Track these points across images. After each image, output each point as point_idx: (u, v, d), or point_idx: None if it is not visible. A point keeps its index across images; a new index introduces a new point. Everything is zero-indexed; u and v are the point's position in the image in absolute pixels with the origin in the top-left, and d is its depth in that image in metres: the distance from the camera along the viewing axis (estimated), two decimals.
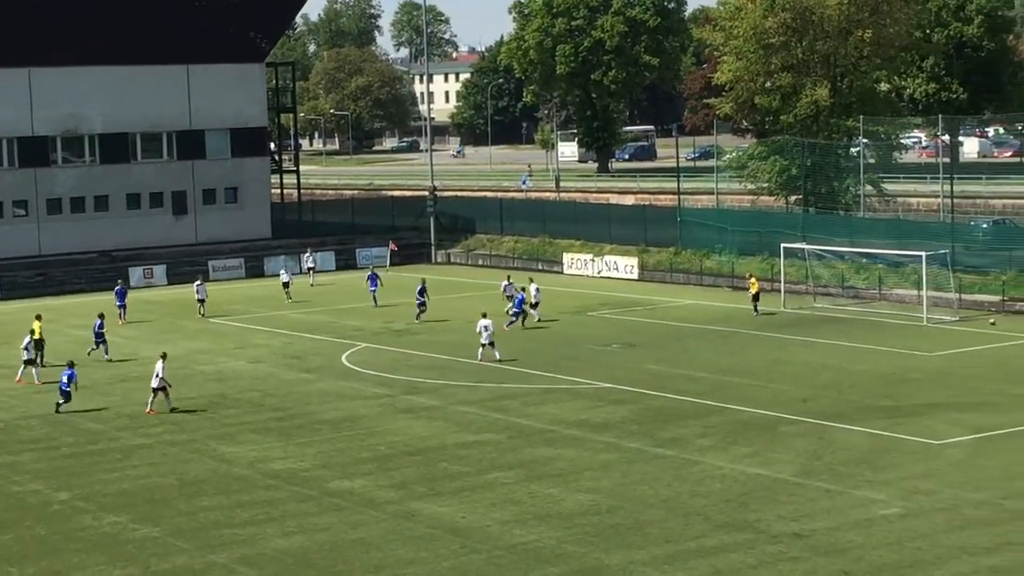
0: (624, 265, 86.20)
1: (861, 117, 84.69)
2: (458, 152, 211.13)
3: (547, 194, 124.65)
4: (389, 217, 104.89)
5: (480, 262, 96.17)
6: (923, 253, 67.44)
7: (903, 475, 39.28)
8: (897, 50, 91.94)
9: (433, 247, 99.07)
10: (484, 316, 58.91)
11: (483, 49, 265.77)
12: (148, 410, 50.00)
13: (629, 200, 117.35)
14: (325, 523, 36.39)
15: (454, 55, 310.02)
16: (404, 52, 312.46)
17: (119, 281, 75.58)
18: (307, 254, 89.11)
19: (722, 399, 49.85)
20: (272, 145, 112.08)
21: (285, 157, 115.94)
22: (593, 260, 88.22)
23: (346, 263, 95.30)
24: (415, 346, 62.84)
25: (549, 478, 40.11)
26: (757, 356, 58.23)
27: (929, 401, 48.75)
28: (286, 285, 79.58)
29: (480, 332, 57.95)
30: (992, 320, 65.49)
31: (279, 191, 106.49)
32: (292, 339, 66.21)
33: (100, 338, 61.41)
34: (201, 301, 73.67)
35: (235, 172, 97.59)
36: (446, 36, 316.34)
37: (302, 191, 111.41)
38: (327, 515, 37.13)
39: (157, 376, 50.02)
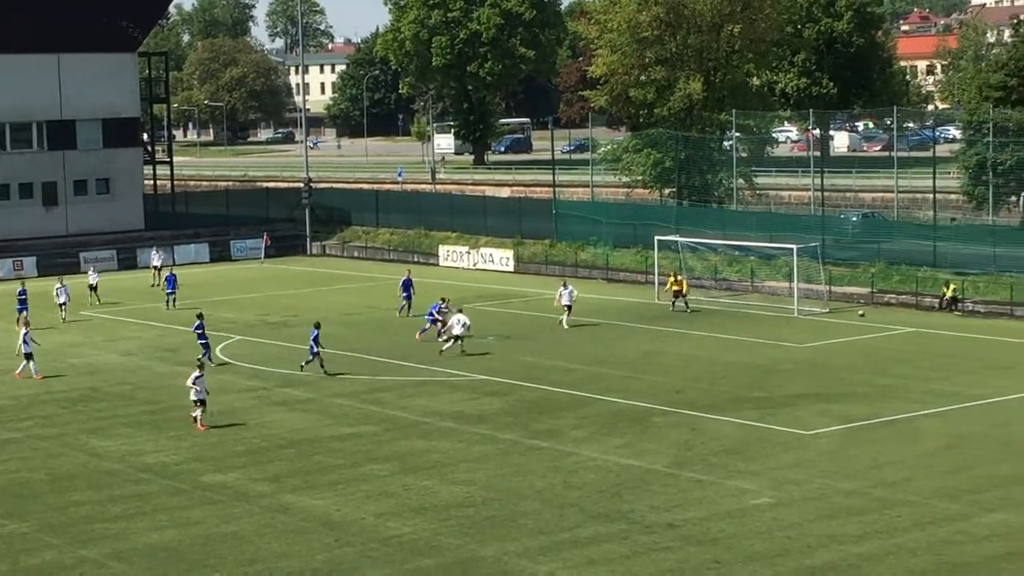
0: (500, 257, 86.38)
1: (734, 111, 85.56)
2: (315, 144, 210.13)
3: (423, 186, 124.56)
4: (264, 209, 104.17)
5: (356, 254, 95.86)
6: (794, 246, 68.24)
7: (773, 465, 39.79)
8: (768, 45, 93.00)
9: (308, 239, 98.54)
10: (460, 311, 58.48)
11: (359, 40, 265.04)
12: (200, 425, 45.63)
13: (505, 192, 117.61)
14: (198, 517, 36.12)
15: (329, 46, 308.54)
16: (279, 43, 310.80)
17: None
18: (154, 251, 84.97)
19: (596, 390, 50.16)
20: (145, 136, 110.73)
21: (158, 148, 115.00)
22: (469, 252, 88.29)
23: (220, 255, 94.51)
24: (290, 339, 62.49)
25: (424, 470, 40.13)
26: (631, 348, 58.63)
27: (799, 392, 49.40)
28: (158, 269, 79.92)
29: (453, 326, 57.39)
30: (861, 312, 66.48)
31: (152, 182, 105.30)
32: (165, 332, 65.54)
33: None
34: (62, 305, 68.40)
35: (107, 163, 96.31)
36: (321, 27, 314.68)
37: (176, 182, 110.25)
38: (200, 509, 36.86)
39: (194, 388, 45.63)
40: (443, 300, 61.23)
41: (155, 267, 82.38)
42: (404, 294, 68.02)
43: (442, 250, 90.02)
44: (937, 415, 45.57)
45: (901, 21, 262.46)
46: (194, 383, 45.46)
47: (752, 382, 51.30)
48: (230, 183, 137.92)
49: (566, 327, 63.16)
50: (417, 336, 60.79)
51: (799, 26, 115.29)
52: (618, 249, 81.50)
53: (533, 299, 73.29)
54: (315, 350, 53.34)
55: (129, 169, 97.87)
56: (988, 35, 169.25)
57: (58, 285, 69.30)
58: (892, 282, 69.98)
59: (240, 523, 35.52)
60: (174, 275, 73.82)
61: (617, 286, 76.72)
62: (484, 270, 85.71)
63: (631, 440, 43.06)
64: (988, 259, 68.92)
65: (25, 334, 54.94)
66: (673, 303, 67.59)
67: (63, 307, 68.50)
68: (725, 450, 41.67)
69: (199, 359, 50.78)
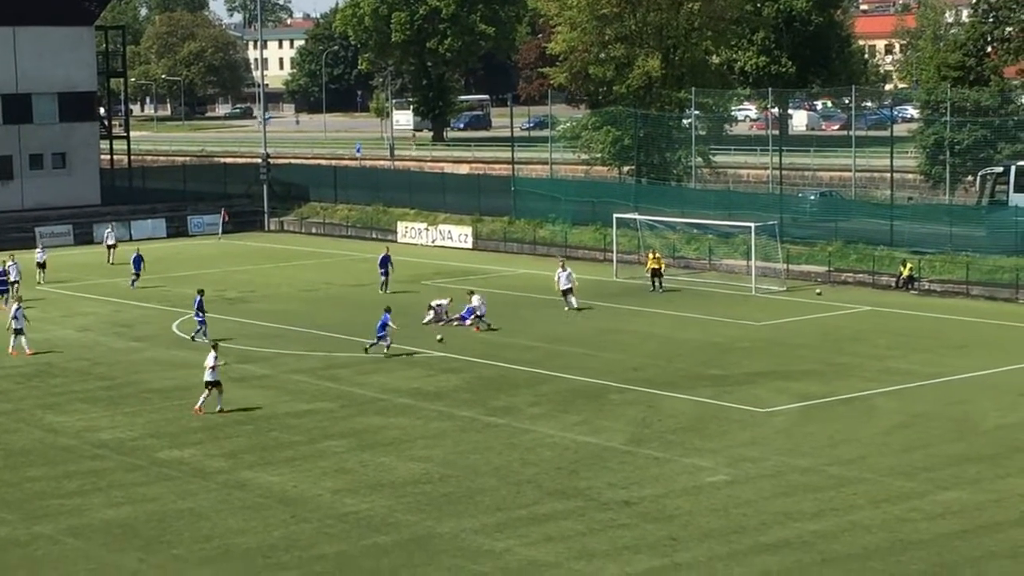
0: (458, 234, 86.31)
1: (693, 89, 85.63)
2: (267, 119, 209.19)
3: (381, 163, 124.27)
4: (222, 184, 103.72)
5: (314, 230, 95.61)
6: (752, 224, 68.40)
7: (730, 443, 39.92)
8: (728, 23, 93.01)
9: (266, 215, 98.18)
10: (472, 293, 58.73)
11: (318, 16, 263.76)
12: (199, 409, 44.31)
13: (464, 169, 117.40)
14: (154, 493, 36.02)
15: (288, 21, 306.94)
16: (237, 17, 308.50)
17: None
18: (108, 229, 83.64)
19: (554, 368, 50.20)
20: (102, 110, 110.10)
21: (115, 122, 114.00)
22: (427, 229, 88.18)
23: (177, 230, 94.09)
24: (247, 315, 62.34)
25: (381, 447, 40.11)
26: (589, 325, 58.67)
27: (756, 370, 49.55)
28: (113, 247, 79.69)
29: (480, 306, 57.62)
30: (818, 290, 66.71)
31: (109, 157, 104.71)
32: (121, 307, 65.26)
33: None
34: (15, 283, 66.39)
35: (63, 137, 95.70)
36: (280, 2, 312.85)
37: (132, 157, 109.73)
38: (156, 485, 36.75)
39: (210, 369, 44.22)
40: (470, 292, 59.65)
41: (109, 245, 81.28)
42: (382, 271, 67.85)
43: (400, 226, 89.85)
44: (893, 393, 45.79)
45: (860, 1, 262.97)
46: (213, 364, 44.05)
47: (709, 360, 51.43)
48: (187, 158, 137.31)
49: (575, 306, 61.50)
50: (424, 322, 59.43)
51: (758, 4, 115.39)
52: (577, 226, 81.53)
53: (492, 276, 73.26)
54: (381, 334, 52.24)
55: (86, 143, 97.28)
56: (946, 15, 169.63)
57: (9, 262, 68.09)
58: (849, 261, 70.22)
59: (196, 499, 35.42)
60: (141, 255, 72.52)
61: (575, 263, 76.69)
62: (442, 247, 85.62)
63: (588, 417, 43.13)
64: (945, 238, 69.23)
65: (16, 309, 54.47)
66: (653, 283, 67.19)
67: (15, 285, 66.21)
68: (682, 427, 41.79)
69: (215, 341, 48.81)
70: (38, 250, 75.38)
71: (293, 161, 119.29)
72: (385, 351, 52.23)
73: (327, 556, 31.29)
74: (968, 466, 37.26)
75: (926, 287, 66.36)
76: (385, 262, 67.93)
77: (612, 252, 73.66)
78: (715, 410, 43.86)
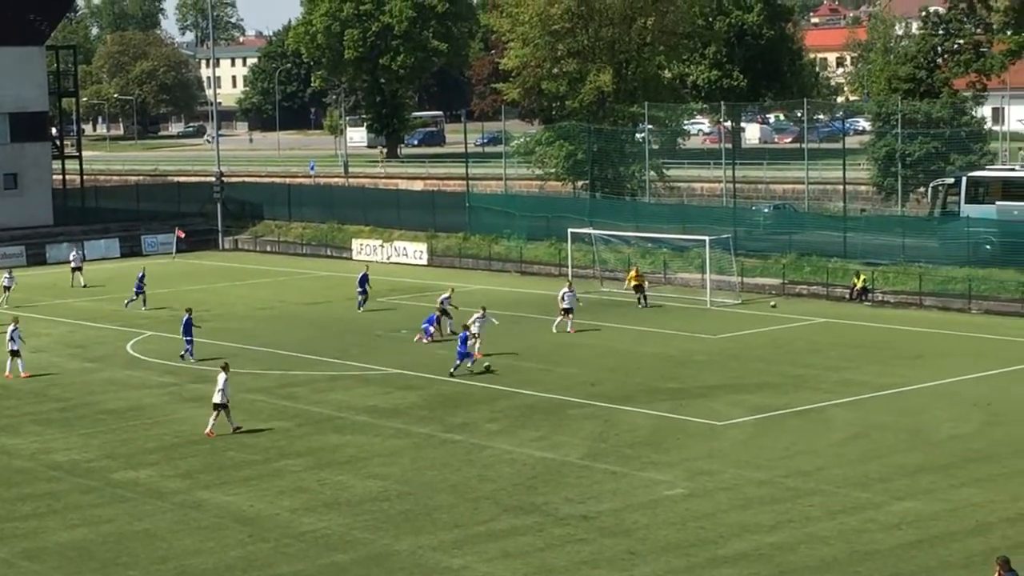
0: (413, 251, 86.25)
1: (646, 103, 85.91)
2: (210, 140, 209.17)
3: (336, 180, 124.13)
4: (175, 203, 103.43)
5: (268, 248, 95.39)
6: (707, 237, 68.64)
7: (687, 456, 39.99)
8: (679, 37, 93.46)
9: (220, 233, 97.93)
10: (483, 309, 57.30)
11: (270, 33, 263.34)
12: (208, 431, 43.81)
13: (418, 186, 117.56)
14: (109, 515, 35.82)
15: (241, 39, 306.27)
16: (190, 36, 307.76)
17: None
18: (73, 252, 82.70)
19: (511, 383, 50.19)
20: (54, 130, 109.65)
21: (67, 142, 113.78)
22: (382, 246, 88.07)
23: (131, 250, 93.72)
24: (203, 334, 61.95)
25: (338, 465, 40.02)
26: (545, 340, 58.70)
27: (712, 383, 49.68)
28: (76, 270, 78.70)
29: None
30: (773, 303, 66.93)
31: (61, 177, 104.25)
32: (75, 328, 64.94)
33: None
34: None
35: (15, 157, 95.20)
36: (232, 20, 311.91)
37: (85, 177, 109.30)
38: (111, 506, 36.55)
39: (219, 391, 43.51)
40: (483, 309, 58.01)
41: (74, 268, 79.90)
42: (360, 289, 67.66)
43: (355, 244, 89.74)
44: (848, 405, 45.99)
45: (811, 13, 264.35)
46: (223, 386, 43.34)
47: (666, 373, 51.55)
48: (141, 177, 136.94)
49: (569, 330, 60.17)
50: (424, 339, 58.92)
51: (710, 19, 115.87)
52: (532, 242, 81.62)
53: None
54: (463, 350, 51.67)
55: (37, 163, 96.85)
56: (897, 27, 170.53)
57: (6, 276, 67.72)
58: (803, 273, 70.53)
59: (153, 520, 35.25)
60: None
61: (531, 279, 76.78)
62: (398, 263, 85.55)
63: (546, 433, 43.14)
64: (897, 249, 69.66)
65: (13, 330, 53.76)
66: (638, 299, 66.90)
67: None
68: (639, 441, 41.85)
69: (224, 362, 46.45)
70: (5, 275, 74.24)
71: (247, 179, 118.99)
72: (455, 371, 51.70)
73: (285, 575, 31.18)
74: (922, 476, 37.45)
75: (880, 298, 66.70)
76: (364, 281, 67.87)
77: (567, 267, 73.71)
78: (672, 423, 43.94)
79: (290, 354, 56.77)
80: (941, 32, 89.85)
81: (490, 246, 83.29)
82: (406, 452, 41.33)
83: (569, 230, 74.25)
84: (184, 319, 56.21)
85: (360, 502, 36.28)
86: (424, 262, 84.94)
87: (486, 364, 53.04)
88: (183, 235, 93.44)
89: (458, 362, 51.72)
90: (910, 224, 73.63)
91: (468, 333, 52.95)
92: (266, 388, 50.62)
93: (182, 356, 55.66)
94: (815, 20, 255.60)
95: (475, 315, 55.84)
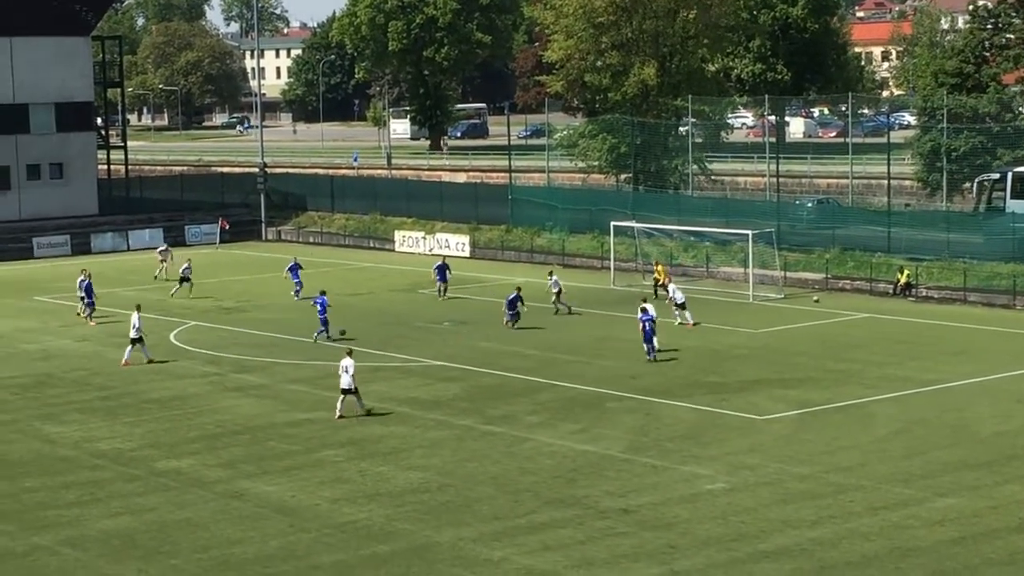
0: (456, 243, 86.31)
1: (689, 97, 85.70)
2: (243, 130, 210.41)
3: (379, 171, 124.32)
4: (219, 194, 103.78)
5: (311, 239, 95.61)
6: (749, 232, 68.37)
7: (728, 450, 39.91)
8: (723, 31, 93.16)
9: (263, 224, 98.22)
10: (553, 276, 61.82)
11: (315, 25, 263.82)
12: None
13: (461, 178, 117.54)
14: (152, 503, 35.99)
15: (285, 31, 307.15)
16: (234, 27, 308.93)
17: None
18: (163, 247, 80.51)
19: (551, 376, 50.18)
20: (99, 120, 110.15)
21: (112, 132, 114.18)
22: (425, 238, 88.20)
23: (175, 240, 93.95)
24: (244, 324, 62.33)
25: (379, 456, 40.09)
26: (586, 333, 58.67)
27: (754, 377, 49.54)
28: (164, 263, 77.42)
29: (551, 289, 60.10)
30: (815, 298, 66.69)
31: (106, 167, 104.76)
32: (121, 317, 65.14)
33: None
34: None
35: (60, 147, 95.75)
36: (277, 11, 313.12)
37: (130, 167, 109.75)
38: (154, 495, 36.72)
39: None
40: (518, 289, 61.02)
41: (161, 260, 78.18)
42: (439, 278, 68.49)
43: (398, 235, 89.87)
44: (890, 400, 45.80)
45: (856, 7, 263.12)
46: (347, 370, 44.06)
47: (707, 367, 51.44)
48: (185, 168, 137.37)
49: (688, 324, 59.59)
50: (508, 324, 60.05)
51: (754, 12, 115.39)
52: (574, 235, 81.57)
53: (489, 284, 73.23)
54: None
55: (83, 153, 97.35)
56: (943, 21, 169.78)
57: (80, 277, 65.64)
58: (847, 268, 70.28)
59: (195, 509, 35.40)
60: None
61: (573, 271, 76.70)
62: (440, 255, 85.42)
63: (586, 426, 43.12)
64: (942, 245, 69.30)
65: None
66: (656, 292, 66.76)
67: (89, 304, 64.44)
68: (680, 435, 41.78)
69: (349, 348, 47.45)
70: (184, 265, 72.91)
71: (290, 170, 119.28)
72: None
73: (325, 566, 31.26)
74: (966, 473, 37.27)
75: (923, 294, 66.39)
76: (443, 270, 68.56)
77: (609, 260, 73.66)
78: (713, 417, 43.86)
79: (332, 345, 56.88)
80: (990, 26, 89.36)
81: (532, 239, 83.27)
82: (447, 444, 41.38)
83: (612, 223, 74.16)
84: (321, 299, 57.59)
85: (401, 493, 36.34)
86: (467, 254, 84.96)
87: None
88: (227, 226, 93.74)
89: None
90: (955, 219, 73.24)
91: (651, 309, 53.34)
92: (308, 379, 50.76)
93: (315, 339, 57.07)
94: (860, 14, 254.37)
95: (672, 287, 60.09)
